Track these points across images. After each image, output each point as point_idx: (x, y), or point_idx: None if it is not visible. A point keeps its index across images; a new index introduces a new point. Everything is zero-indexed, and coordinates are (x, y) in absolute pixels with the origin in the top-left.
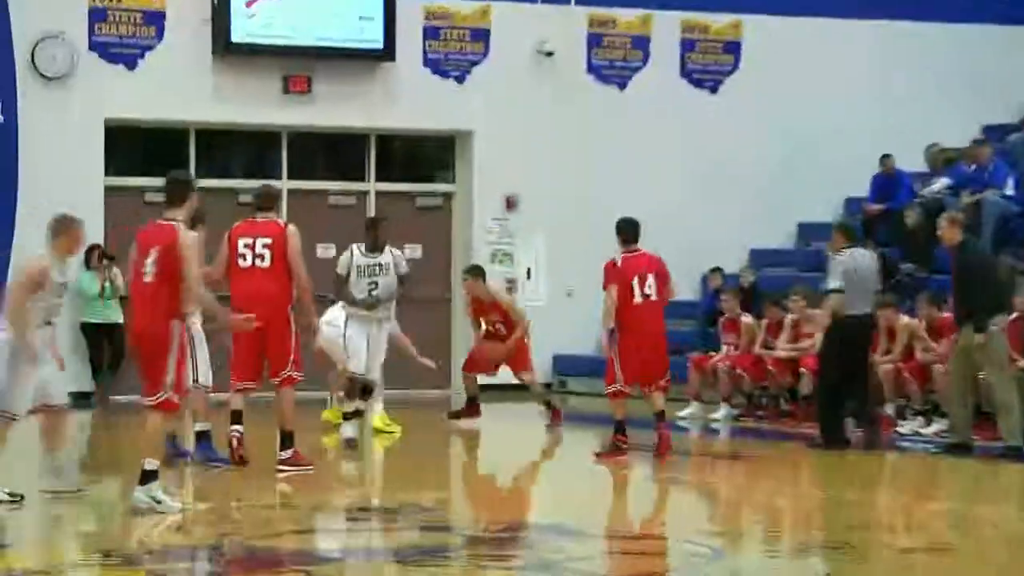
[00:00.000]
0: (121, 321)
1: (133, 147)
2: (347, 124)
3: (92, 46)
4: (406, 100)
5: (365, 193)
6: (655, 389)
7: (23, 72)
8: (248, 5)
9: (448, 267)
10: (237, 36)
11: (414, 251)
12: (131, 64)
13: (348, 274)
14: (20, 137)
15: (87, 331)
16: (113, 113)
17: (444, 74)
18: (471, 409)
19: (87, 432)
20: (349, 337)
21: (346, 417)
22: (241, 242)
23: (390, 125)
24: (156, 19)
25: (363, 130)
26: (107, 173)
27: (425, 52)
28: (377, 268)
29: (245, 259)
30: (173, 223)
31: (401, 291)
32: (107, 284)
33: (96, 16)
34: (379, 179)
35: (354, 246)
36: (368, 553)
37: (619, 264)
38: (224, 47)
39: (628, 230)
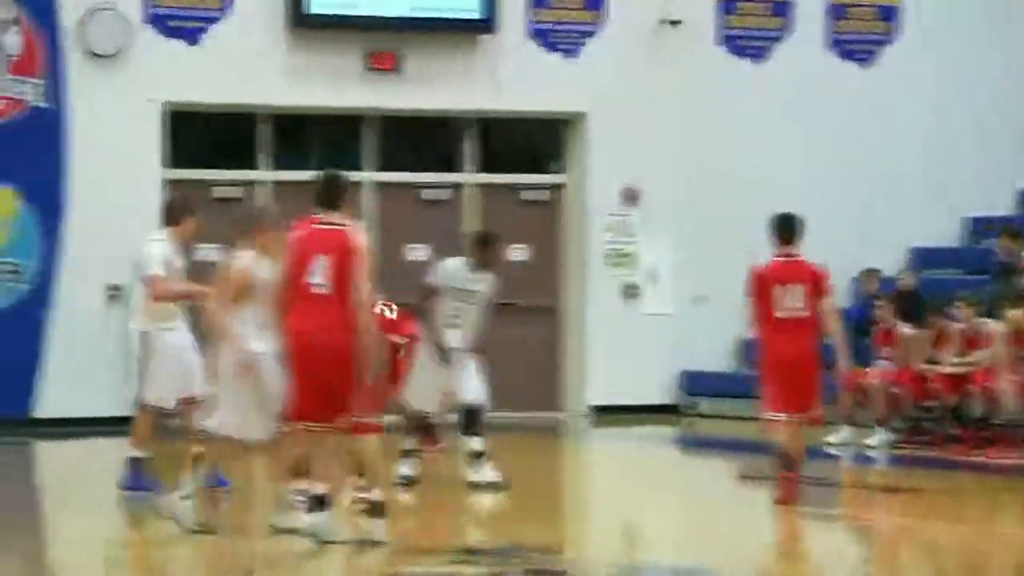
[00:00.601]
0: None
1: (196, 134)
2: (441, 107)
3: (148, 19)
4: (509, 78)
5: (461, 186)
6: (800, 421)
7: (71, 50)
8: None
9: (556, 270)
10: (314, 6)
11: (519, 252)
12: (193, 39)
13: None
14: (69, 124)
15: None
16: (172, 96)
17: (553, 47)
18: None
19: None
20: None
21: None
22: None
23: (491, 107)
24: None
25: (459, 113)
26: (166, 164)
27: (531, 22)
28: (471, 296)
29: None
30: (344, 227)
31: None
32: None
33: None
34: (478, 170)
35: (464, 260)
36: None
37: (765, 271)
38: (299, 19)
39: (782, 228)
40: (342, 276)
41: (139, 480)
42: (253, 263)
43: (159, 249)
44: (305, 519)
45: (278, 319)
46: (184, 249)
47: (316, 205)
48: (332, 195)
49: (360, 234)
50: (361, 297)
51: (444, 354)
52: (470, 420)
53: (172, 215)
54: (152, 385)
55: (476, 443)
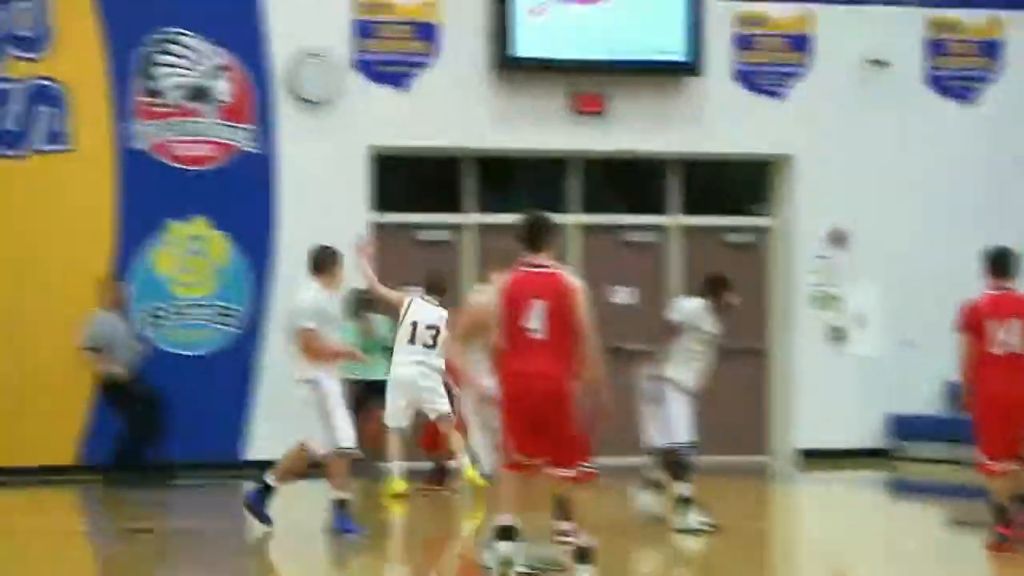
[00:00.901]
0: (384, 378)
1: (402, 178)
2: (646, 149)
3: (357, 65)
4: (714, 120)
5: (666, 228)
6: (1018, 467)
7: (281, 96)
8: (534, 13)
9: (762, 312)
10: (519, 50)
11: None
12: (400, 84)
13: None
14: (279, 169)
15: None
16: (379, 140)
17: (759, 89)
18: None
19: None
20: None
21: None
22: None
23: (696, 150)
24: (428, 32)
25: (664, 156)
26: (372, 208)
27: (736, 64)
28: (707, 336)
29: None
30: (555, 271)
31: None
32: (367, 336)
33: (361, 31)
34: (683, 212)
35: (701, 301)
36: None
37: (979, 305)
38: (505, 62)
39: (997, 262)
40: (558, 320)
41: (345, 522)
42: (490, 299)
43: (311, 301)
44: (499, 547)
45: (493, 361)
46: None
47: (523, 247)
48: (538, 237)
49: (573, 277)
50: (586, 341)
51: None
52: (679, 464)
53: (320, 264)
54: (340, 430)
55: (683, 488)
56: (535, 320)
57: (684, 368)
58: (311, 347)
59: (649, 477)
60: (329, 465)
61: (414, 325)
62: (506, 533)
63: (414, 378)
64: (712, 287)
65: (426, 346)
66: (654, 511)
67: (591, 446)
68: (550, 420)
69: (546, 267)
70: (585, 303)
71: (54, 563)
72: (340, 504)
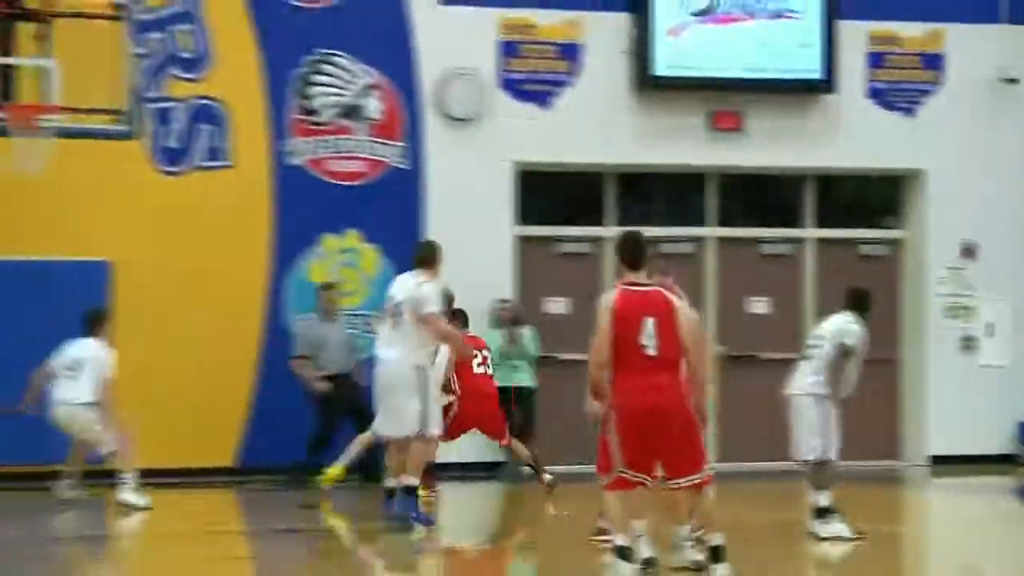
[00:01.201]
0: (530, 385)
1: (546, 193)
2: (781, 164)
3: (502, 83)
4: (848, 136)
5: (802, 241)
6: None
7: (429, 114)
8: (672, 34)
9: (895, 323)
10: (659, 69)
11: None
12: (544, 102)
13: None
14: (427, 184)
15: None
16: (523, 155)
17: (891, 106)
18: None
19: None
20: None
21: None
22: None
23: (830, 164)
24: (571, 52)
25: (799, 170)
26: (517, 221)
27: (870, 82)
28: (853, 349)
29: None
30: (656, 288)
31: None
32: (511, 345)
33: (506, 51)
34: (818, 225)
35: (845, 314)
36: None
37: None
38: (645, 81)
39: None
40: (668, 336)
41: (412, 507)
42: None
43: (431, 289)
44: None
45: (599, 378)
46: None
47: (624, 266)
48: (639, 255)
49: (673, 294)
50: (696, 356)
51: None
52: (824, 475)
53: (430, 259)
54: (434, 417)
55: (823, 498)
56: (648, 337)
57: (834, 382)
58: (439, 329)
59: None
60: (412, 449)
61: None
62: (624, 554)
63: None
64: (863, 302)
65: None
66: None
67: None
68: (671, 433)
69: (648, 285)
70: (691, 318)
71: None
72: (409, 491)
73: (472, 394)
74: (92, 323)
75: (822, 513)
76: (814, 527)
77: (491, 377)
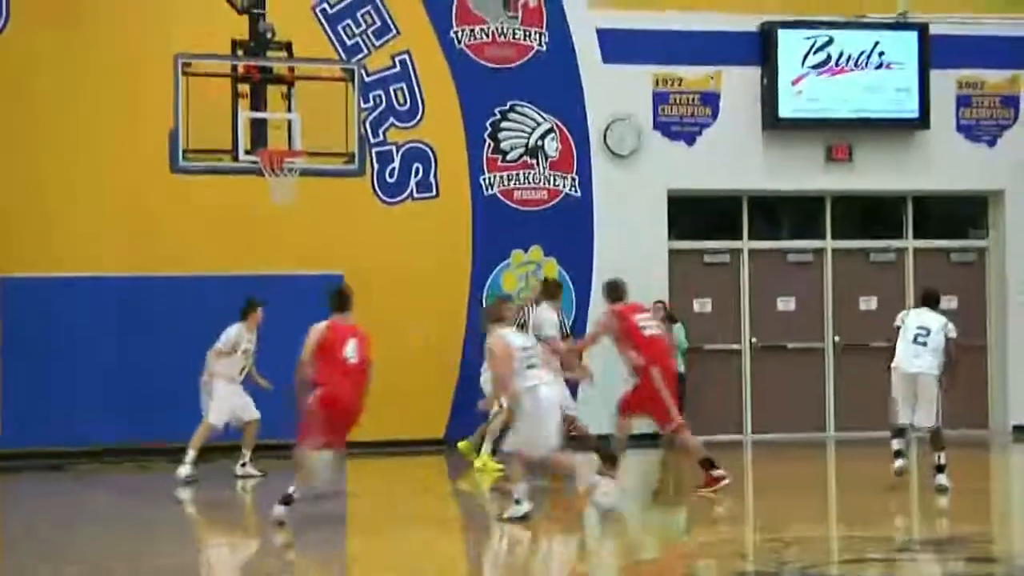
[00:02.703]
0: (682, 371)
1: (692, 214)
2: (886, 187)
3: (656, 125)
4: (940, 164)
5: (904, 250)
6: None
7: (596, 151)
8: (794, 83)
9: (983, 317)
10: (784, 111)
11: (950, 302)
12: (690, 140)
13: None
14: (594, 208)
15: None
16: (674, 184)
17: (976, 139)
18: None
19: (658, 469)
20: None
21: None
22: None
23: (926, 187)
24: (712, 99)
25: (900, 193)
26: (670, 237)
27: (958, 119)
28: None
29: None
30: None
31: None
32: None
33: (660, 99)
34: (916, 237)
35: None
36: None
37: None
38: (772, 121)
39: None
40: None
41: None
42: None
43: (552, 316)
44: None
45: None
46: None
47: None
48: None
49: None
50: None
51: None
52: (936, 439)
53: (553, 291)
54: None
55: (941, 457)
56: None
57: (946, 365)
58: (556, 350)
59: (898, 448)
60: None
61: None
62: None
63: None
64: (938, 299)
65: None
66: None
67: None
68: None
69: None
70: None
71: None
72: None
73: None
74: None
75: (942, 469)
76: (940, 480)
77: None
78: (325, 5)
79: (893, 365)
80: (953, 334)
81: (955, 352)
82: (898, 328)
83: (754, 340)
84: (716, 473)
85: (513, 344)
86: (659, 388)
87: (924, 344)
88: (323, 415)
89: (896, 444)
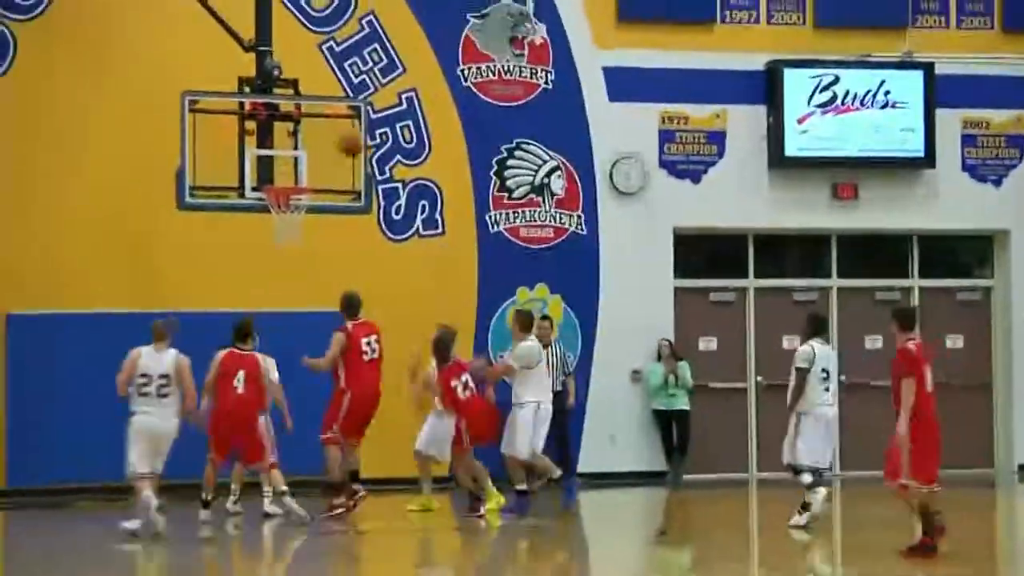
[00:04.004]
0: (687, 409)
1: (698, 252)
2: (891, 226)
3: (662, 164)
4: (946, 203)
5: (909, 289)
6: None
7: (602, 189)
8: (800, 122)
9: (989, 356)
10: (790, 150)
11: (955, 341)
12: (696, 178)
13: None
14: (600, 246)
15: (657, 417)
16: (680, 222)
17: (982, 179)
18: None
19: (663, 507)
20: None
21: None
22: None
23: (931, 226)
24: (717, 138)
25: (906, 231)
26: (675, 276)
27: (963, 158)
28: None
29: None
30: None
31: None
32: (671, 376)
33: (665, 137)
34: (922, 276)
35: None
36: None
37: None
38: (778, 160)
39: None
40: None
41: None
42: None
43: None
44: None
45: None
46: None
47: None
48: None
49: None
50: None
51: None
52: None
53: (529, 324)
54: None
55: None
56: None
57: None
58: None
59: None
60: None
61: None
62: None
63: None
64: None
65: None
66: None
67: None
68: None
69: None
70: None
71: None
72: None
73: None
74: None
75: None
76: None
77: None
78: (332, 43)
79: (804, 410)
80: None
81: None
82: (802, 369)
83: (760, 379)
84: (337, 501)
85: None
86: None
87: (827, 388)
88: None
89: (824, 489)
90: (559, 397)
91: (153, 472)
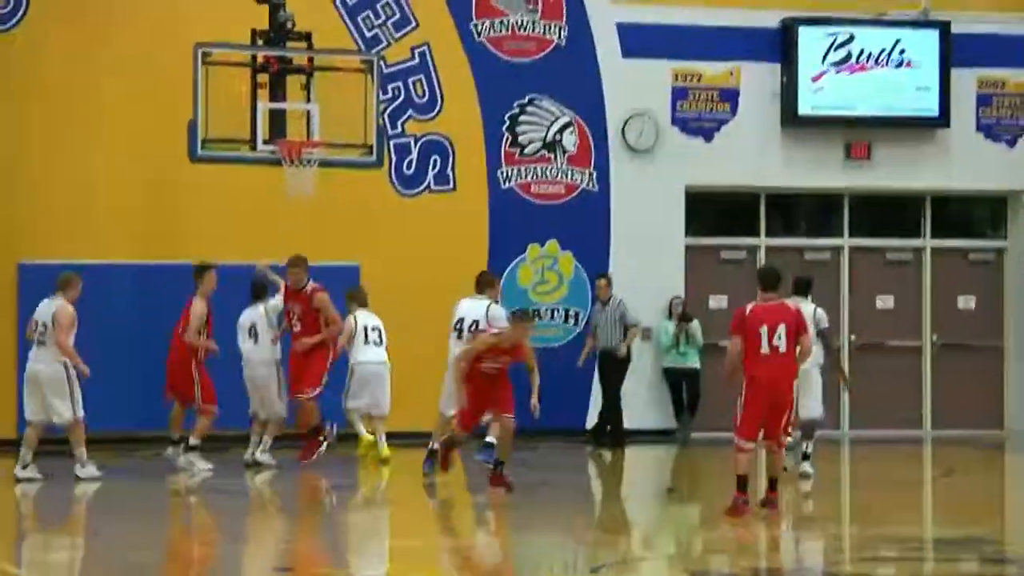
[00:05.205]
0: (697, 367)
1: (709, 210)
2: (904, 186)
3: (674, 121)
4: (960, 163)
5: (920, 250)
6: None
7: (614, 146)
8: (814, 80)
9: (1001, 317)
10: (803, 109)
11: (967, 302)
12: (708, 136)
13: None
14: (611, 203)
15: (667, 375)
16: (692, 180)
17: (996, 139)
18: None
19: (671, 464)
20: None
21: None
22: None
23: (945, 187)
24: (730, 96)
25: (919, 192)
26: (687, 234)
27: (978, 118)
28: None
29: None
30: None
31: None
32: (682, 334)
33: (678, 95)
34: (934, 236)
35: None
36: None
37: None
38: (791, 119)
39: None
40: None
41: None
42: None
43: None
44: None
45: None
46: None
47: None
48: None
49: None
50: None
51: None
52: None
53: (489, 284)
54: None
55: (809, 445)
56: (778, 339)
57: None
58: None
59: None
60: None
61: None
62: None
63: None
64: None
65: None
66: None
67: None
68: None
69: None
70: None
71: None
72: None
73: None
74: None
75: (808, 456)
76: (806, 467)
77: None
78: None
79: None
80: (825, 324)
81: (832, 340)
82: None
83: None
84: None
85: None
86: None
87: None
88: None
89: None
90: (613, 354)
91: (40, 421)
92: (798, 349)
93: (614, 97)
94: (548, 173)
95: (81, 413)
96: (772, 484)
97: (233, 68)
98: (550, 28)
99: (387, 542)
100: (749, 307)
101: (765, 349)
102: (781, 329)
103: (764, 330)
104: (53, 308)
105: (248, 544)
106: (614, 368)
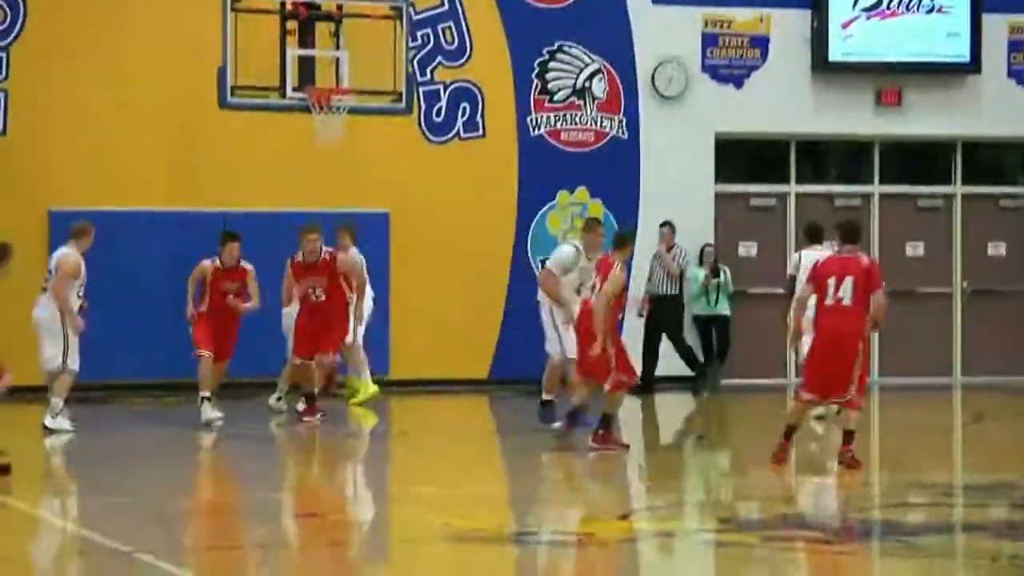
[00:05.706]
0: (727, 314)
1: (739, 157)
2: (935, 133)
3: (704, 68)
4: (991, 110)
5: (951, 196)
6: None
7: (644, 93)
8: (845, 26)
9: None
10: (834, 55)
11: (998, 248)
12: (738, 83)
13: None
14: (641, 151)
15: (697, 322)
16: (722, 127)
17: None
18: None
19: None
20: None
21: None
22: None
23: (976, 133)
24: (761, 42)
25: (950, 138)
26: (716, 181)
27: (1010, 64)
28: None
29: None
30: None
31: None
32: (712, 281)
33: (708, 41)
34: (965, 183)
35: None
36: (961, 528)
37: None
38: (822, 65)
39: None
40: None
41: (549, 416)
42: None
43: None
44: None
45: None
46: None
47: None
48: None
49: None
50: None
51: None
52: None
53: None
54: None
55: None
56: (844, 291)
57: None
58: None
59: None
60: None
61: None
62: None
63: None
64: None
65: None
66: None
67: None
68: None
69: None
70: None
71: None
72: (545, 404)
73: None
74: None
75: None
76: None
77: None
78: None
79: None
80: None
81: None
82: (794, 277)
83: None
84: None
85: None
86: None
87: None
88: None
89: None
90: (668, 301)
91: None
92: (872, 304)
93: (644, 44)
94: (578, 120)
95: (75, 366)
96: (846, 438)
97: (262, 15)
98: None
99: (408, 488)
100: (822, 258)
101: (830, 300)
102: (848, 282)
103: (832, 281)
104: (59, 255)
105: (278, 491)
106: (670, 313)
